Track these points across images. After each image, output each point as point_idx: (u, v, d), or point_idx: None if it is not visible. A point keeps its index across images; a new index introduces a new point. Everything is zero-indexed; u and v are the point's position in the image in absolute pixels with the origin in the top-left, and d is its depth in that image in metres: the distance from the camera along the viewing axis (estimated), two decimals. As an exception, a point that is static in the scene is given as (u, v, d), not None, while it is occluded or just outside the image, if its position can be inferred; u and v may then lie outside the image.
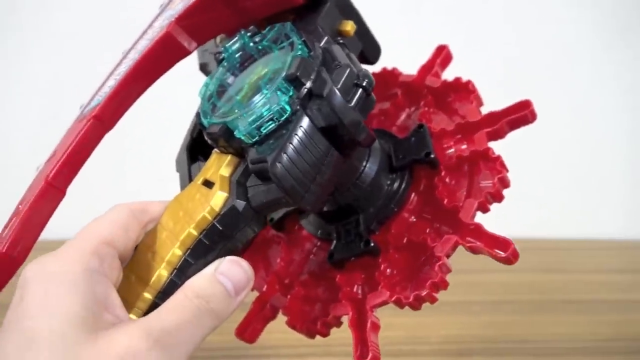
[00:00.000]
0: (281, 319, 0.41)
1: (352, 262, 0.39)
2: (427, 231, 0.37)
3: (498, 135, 0.38)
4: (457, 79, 0.41)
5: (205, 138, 0.35)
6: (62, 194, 0.35)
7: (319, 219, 0.41)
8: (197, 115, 0.36)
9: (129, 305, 0.32)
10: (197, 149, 0.39)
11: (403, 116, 0.43)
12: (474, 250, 0.35)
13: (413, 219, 0.39)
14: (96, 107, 0.36)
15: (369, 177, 0.39)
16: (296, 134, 0.32)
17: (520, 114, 0.37)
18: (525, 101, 0.37)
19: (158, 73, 0.38)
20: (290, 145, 0.32)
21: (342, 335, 0.38)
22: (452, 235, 0.36)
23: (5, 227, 0.34)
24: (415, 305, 0.35)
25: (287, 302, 0.41)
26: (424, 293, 0.35)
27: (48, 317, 0.29)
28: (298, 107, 0.32)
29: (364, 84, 0.33)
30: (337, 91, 0.32)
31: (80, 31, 0.84)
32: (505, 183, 0.37)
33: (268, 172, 0.32)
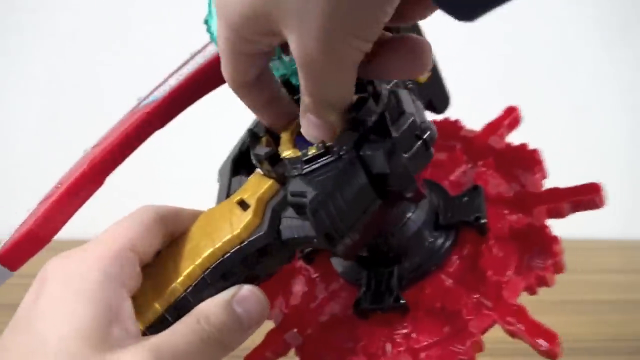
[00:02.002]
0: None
1: (377, 314, 0.36)
2: (463, 301, 0.34)
3: (559, 214, 0.36)
4: (524, 145, 0.38)
5: (252, 158, 0.34)
6: (100, 182, 0.34)
7: (358, 263, 0.39)
8: (249, 132, 0.35)
9: (137, 312, 0.31)
10: (242, 162, 0.38)
11: (458, 172, 0.41)
12: (512, 334, 0.32)
13: (450, 282, 0.36)
14: (152, 103, 0.36)
15: (411, 229, 0.36)
16: (343, 175, 0.30)
17: (587, 197, 0.35)
18: (594, 184, 0.35)
19: (218, 83, 0.37)
20: (334, 186, 0.30)
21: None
22: (491, 312, 0.33)
23: (40, 203, 0.34)
24: None
25: (302, 341, 0.38)
26: None
27: (59, 325, 0.28)
28: (351, 148, 0.30)
29: (424, 137, 0.31)
30: (394, 139, 0.30)
31: (80, 31, 0.84)
32: (559, 269, 0.34)
33: (306, 208, 0.30)
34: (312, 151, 0.31)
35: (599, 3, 0.85)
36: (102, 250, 0.31)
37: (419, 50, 0.30)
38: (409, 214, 0.36)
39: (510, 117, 0.41)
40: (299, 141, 0.33)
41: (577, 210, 0.35)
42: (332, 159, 0.30)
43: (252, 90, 0.32)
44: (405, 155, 0.30)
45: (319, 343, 0.38)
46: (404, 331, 0.35)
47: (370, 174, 0.30)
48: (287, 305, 0.40)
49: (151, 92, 0.38)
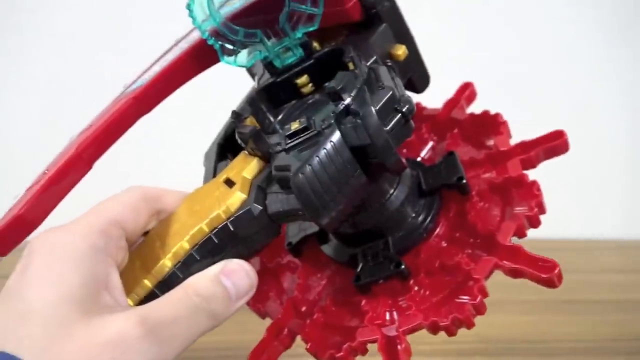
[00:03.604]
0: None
1: (379, 286, 0.37)
2: (460, 256, 0.36)
3: (531, 163, 0.38)
4: (485, 112, 0.40)
5: (237, 137, 0.35)
6: (88, 167, 0.35)
7: (343, 243, 0.40)
8: (233, 113, 0.36)
9: (127, 289, 0.32)
10: (228, 147, 0.38)
11: (427, 149, 0.43)
12: (514, 273, 0.34)
13: (444, 244, 0.38)
14: (137, 89, 0.36)
15: (397, 201, 0.38)
16: (325, 148, 0.31)
17: (554, 143, 0.37)
18: (558, 131, 0.37)
19: (202, 68, 0.38)
20: (317, 158, 0.31)
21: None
22: (491, 257, 0.34)
23: (28, 189, 0.34)
24: (452, 329, 0.34)
25: (306, 327, 0.39)
26: (461, 316, 0.33)
27: (47, 291, 0.29)
28: (332, 121, 0.31)
29: (403, 110, 0.32)
30: (374, 112, 0.31)
31: (80, 31, 0.84)
32: (542, 208, 0.36)
33: (290, 181, 0.31)
34: (294, 126, 0.32)
35: (599, 3, 0.85)
36: (88, 224, 0.32)
37: None
38: (394, 187, 0.38)
39: (468, 91, 0.43)
40: None
41: (547, 158, 0.38)
42: (313, 133, 0.32)
43: None
44: (386, 128, 0.31)
45: (324, 326, 0.38)
46: (408, 295, 0.36)
47: (353, 147, 0.31)
48: (282, 301, 0.41)
49: (137, 79, 0.38)
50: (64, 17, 0.84)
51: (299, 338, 0.39)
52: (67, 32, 0.84)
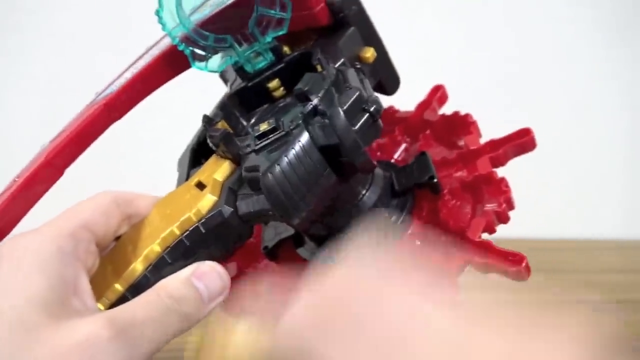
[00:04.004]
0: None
1: None
2: (432, 254, 0.37)
3: (500, 161, 0.39)
4: (456, 113, 0.41)
5: (207, 140, 0.35)
6: (59, 173, 0.35)
7: (317, 245, 0.40)
8: (204, 117, 0.36)
9: (98, 294, 0.32)
10: (201, 152, 0.38)
11: (400, 150, 0.44)
12: (485, 268, 0.34)
13: (417, 242, 0.38)
14: (108, 95, 0.36)
15: (370, 201, 0.38)
16: (293, 148, 0.31)
17: (522, 140, 0.38)
18: (525, 129, 0.38)
19: (174, 73, 0.38)
20: (285, 159, 0.31)
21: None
22: (460, 254, 0.35)
23: None
24: None
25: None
26: None
27: (14, 295, 0.29)
28: (300, 122, 0.32)
29: (371, 110, 0.32)
30: (341, 112, 0.31)
31: (80, 31, 0.84)
32: (511, 204, 0.37)
33: (259, 182, 0.31)
34: (263, 127, 0.33)
35: (598, 3, 0.85)
36: (57, 228, 0.31)
37: None
38: (367, 187, 0.38)
39: (439, 93, 0.44)
40: None
41: (515, 155, 0.38)
42: (282, 133, 0.32)
43: None
44: (354, 128, 0.31)
45: None
46: None
47: (322, 147, 0.31)
48: (258, 304, 0.41)
49: (108, 86, 0.38)
50: (64, 17, 0.84)
51: None
52: (67, 32, 0.84)
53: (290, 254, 0.42)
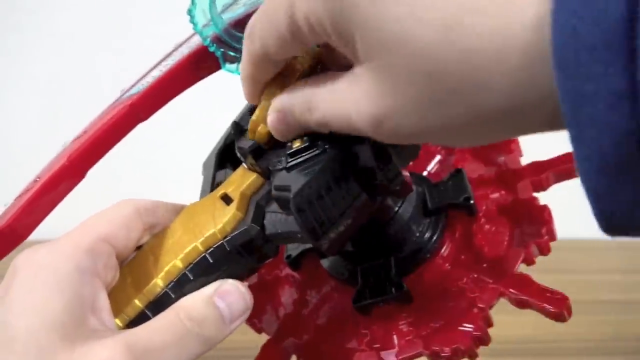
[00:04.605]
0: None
1: (379, 308, 0.35)
2: (465, 280, 0.34)
3: (542, 186, 0.36)
4: None
5: (236, 151, 0.33)
6: (81, 176, 0.33)
7: (343, 259, 0.38)
8: (233, 124, 0.34)
9: (117, 309, 0.31)
10: (227, 156, 0.37)
11: (434, 162, 0.41)
12: (521, 304, 0.32)
13: (447, 266, 0.36)
14: (134, 95, 0.35)
15: (402, 220, 0.36)
16: (327, 170, 0.29)
17: (566, 166, 0.36)
18: (569, 154, 0.35)
19: (202, 75, 0.36)
20: (318, 180, 0.28)
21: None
22: (497, 286, 0.33)
23: (17, 198, 0.33)
24: (454, 358, 0.32)
25: (301, 347, 0.37)
26: (464, 347, 0.31)
27: (30, 318, 0.28)
28: (337, 141, 0.29)
29: None
30: None
31: (80, 31, 0.84)
32: (553, 235, 0.34)
33: (289, 203, 0.29)
34: (296, 144, 0.30)
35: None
36: (74, 242, 0.30)
37: None
38: (399, 205, 0.36)
39: None
40: None
41: (560, 180, 0.36)
42: (317, 152, 0.29)
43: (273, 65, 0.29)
44: (392, 149, 0.29)
45: (320, 347, 0.37)
46: (409, 320, 0.34)
47: (356, 168, 0.29)
48: (278, 316, 0.39)
49: (134, 84, 0.37)
50: (64, 17, 0.84)
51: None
52: (67, 32, 0.84)
53: (314, 265, 0.40)
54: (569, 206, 0.84)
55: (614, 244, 0.80)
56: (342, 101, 0.26)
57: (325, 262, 0.39)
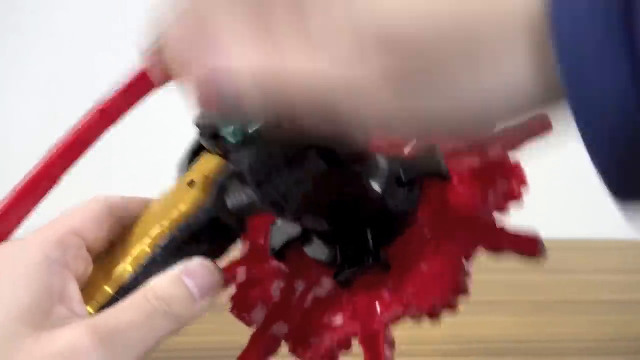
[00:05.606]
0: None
1: (361, 280, 0.36)
2: (442, 243, 0.36)
3: (513, 144, 0.37)
4: None
5: (199, 137, 0.34)
6: (54, 182, 0.34)
7: (323, 242, 0.39)
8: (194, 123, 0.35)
9: (88, 297, 0.31)
10: (199, 153, 0.37)
11: (410, 145, 0.41)
12: (495, 248, 0.34)
13: (426, 232, 0.37)
14: (105, 100, 0.36)
15: (375, 194, 0.37)
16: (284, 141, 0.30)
17: (536, 122, 0.37)
18: (541, 113, 0.37)
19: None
20: (275, 152, 0.30)
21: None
22: (471, 239, 0.34)
23: None
24: (434, 315, 0.33)
25: (291, 330, 0.38)
26: (440, 300, 0.33)
27: None
28: None
29: None
30: None
31: (80, 31, 0.84)
32: (524, 183, 0.36)
33: (247, 177, 0.30)
34: None
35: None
36: (44, 235, 0.31)
37: None
38: (370, 180, 0.37)
39: None
40: None
41: (529, 137, 0.37)
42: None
43: None
44: None
45: (307, 327, 0.38)
46: (390, 287, 0.35)
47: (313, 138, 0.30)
48: (268, 308, 0.40)
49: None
50: (64, 17, 0.84)
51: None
52: (67, 32, 0.84)
53: (299, 254, 0.41)
54: (568, 206, 0.84)
55: (614, 244, 0.80)
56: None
57: (309, 250, 0.40)
